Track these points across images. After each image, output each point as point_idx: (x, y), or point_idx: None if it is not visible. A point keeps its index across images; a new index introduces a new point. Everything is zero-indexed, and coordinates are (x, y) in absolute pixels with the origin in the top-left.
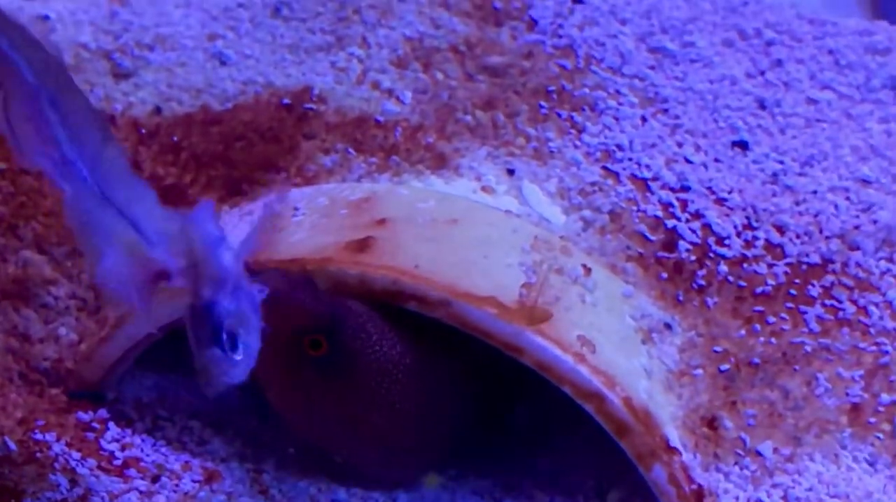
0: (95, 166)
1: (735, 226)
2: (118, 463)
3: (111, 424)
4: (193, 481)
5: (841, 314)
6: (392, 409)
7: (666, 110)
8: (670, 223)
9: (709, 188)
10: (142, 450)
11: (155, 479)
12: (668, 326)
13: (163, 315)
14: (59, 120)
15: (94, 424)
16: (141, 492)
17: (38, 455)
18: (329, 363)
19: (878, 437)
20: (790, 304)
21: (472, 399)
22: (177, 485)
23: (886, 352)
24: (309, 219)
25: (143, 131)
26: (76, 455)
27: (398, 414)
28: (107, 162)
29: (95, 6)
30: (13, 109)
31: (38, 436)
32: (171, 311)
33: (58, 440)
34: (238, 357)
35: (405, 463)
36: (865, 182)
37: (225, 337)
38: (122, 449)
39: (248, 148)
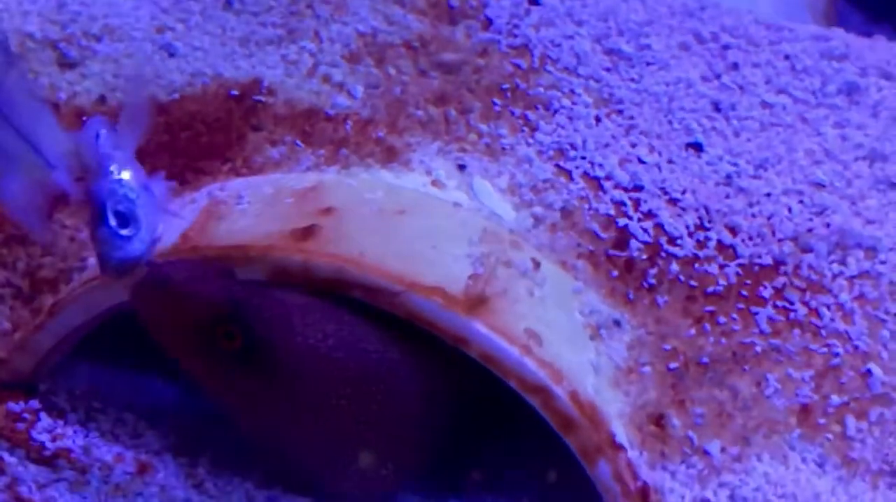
0: None
1: (687, 227)
2: (48, 453)
3: (42, 415)
4: (125, 473)
5: (792, 315)
6: (334, 410)
7: (620, 111)
8: (622, 222)
9: (662, 188)
10: (73, 442)
11: (85, 470)
12: (617, 323)
13: (98, 304)
14: None
15: (25, 414)
16: (70, 483)
17: None
18: (247, 356)
19: (828, 438)
20: (741, 305)
21: (460, 414)
22: (108, 477)
23: (837, 354)
24: (253, 208)
25: (86, 119)
26: (5, 444)
27: (344, 417)
28: (9, 86)
29: None
30: None
31: None
32: (107, 300)
33: None
34: (128, 232)
35: (366, 477)
36: (819, 185)
37: (110, 215)
38: (53, 439)
39: (194, 138)
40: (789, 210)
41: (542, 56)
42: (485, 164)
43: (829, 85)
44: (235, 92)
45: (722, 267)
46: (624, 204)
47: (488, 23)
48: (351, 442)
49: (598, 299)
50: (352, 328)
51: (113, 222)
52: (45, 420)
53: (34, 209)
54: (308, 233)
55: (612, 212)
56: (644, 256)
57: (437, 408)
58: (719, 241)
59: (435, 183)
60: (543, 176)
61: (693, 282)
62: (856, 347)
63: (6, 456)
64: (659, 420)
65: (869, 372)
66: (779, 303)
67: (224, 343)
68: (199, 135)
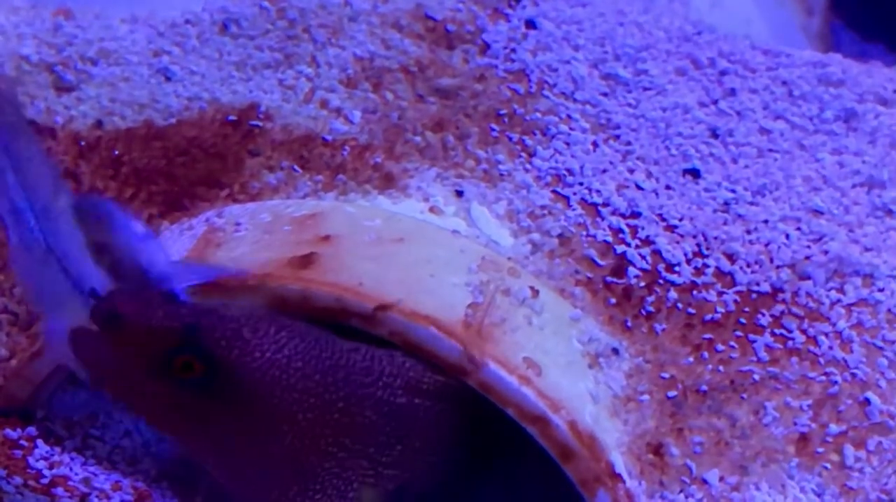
0: (44, 218)
1: (685, 254)
2: (45, 481)
3: (39, 442)
4: (123, 501)
5: (790, 343)
6: (311, 436)
7: (618, 136)
8: (620, 249)
9: (659, 215)
10: (70, 469)
11: (83, 498)
12: (615, 351)
13: None
14: (12, 167)
15: (23, 441)
16: None
17: None
18: (209, 384)
19: (826, 467)
20: (739, 333)
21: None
22: None
23: (835, 383)
24: (251, 235)
25: (83, 144)
26: (2, 472)
27: (322, 443)
28: (57, 214)
29: (39, 19)
30: None
31: None
32: None
33: None
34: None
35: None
36: (817, 212)
37: None
38: (51, 467)
39: (191, 163)
40: (787, 237)
41: (540, 81)
42: (482, 190)
43: (827, 111)
44: (232, 117)
45: (720, 294)
46: (622, 230)
47: (486, 47)
48: (320, 454)
49: (597, 327)
50: (304, 335)
51: None
52: (43, 447)
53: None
54: (306, 261)
55: (610, 238)
56: (642, 283)
57: (419, 422)
58: (717, 268)
59: (433, 209)
60: (541, 202)
61: (691, 310)
62: (854, 375)
63: (4, 483)
64: (657, 449)
65: (867, 400)
66: (777, 330)
67: (182, 374)
68: (196, 161)
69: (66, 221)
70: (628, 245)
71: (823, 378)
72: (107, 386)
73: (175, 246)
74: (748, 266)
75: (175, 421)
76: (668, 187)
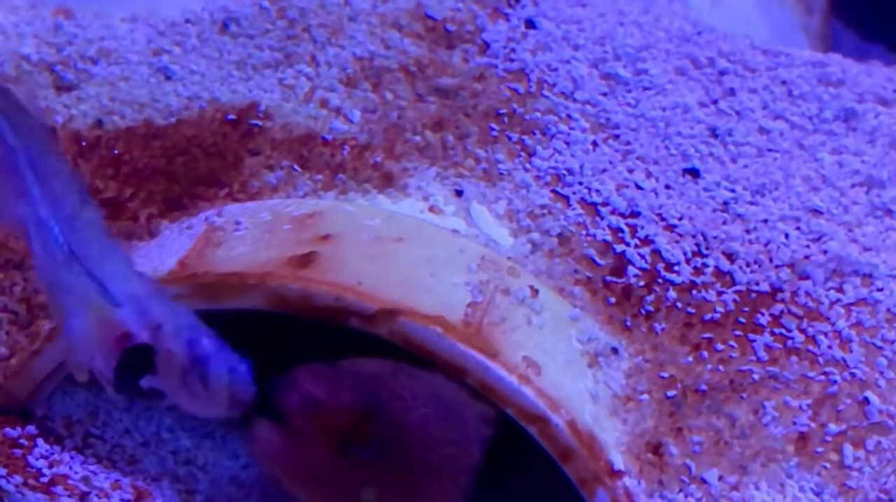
0: (69, 228)
1: (685, 253)
2: (45, 480)
3: (39, 441)
4: (123, 500)
5: (789, 343)
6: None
7: (617, 136)
8: (619, 248)
9: (659, 214)
10: (70, 468)
11: (83, 497)
12: (614, 350)
13: None
14: (37, 181)
15: (22, 440)
16: None
17: None
18: (387, 447)
19: (825, 467)
20: (738, 332)
21: None
22: None
23: (834, 382)
24: (251, 234)
25: (84, 143)
26: (2, 470)
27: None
28: (82, 224)
29: (39, 18)
30: None
31: None
32: None
33: None
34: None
35: None
36: (816, 212)
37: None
38: (50, 466)
39: (191, 163)
40: (786, 236)
41: (539, 80)
42: (482, 190)
43: (826, 111)
44: (232, 116)
45: (719, 293)
46: (621, 230)
47: (485, 47)
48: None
49: (596, 326)
50: (416, 376)
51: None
52: (42, 446)
53: (97, 346)
54: (306, 260)
55: (610, 238)
56: (641, 283)
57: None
58: (717, 268)
59: (432, 208)
60: (540, 201)
61: (690, 309)
62: (853, 375)
63: (3, 482)
64: (657, 448)
65: (866, 400)
66: (776, 330)
67: (365, 443)
68: (196, 160)
69: (91, 232)
70: (628, 244)
71: (823, 377)
72: (289, 478)
73: (174, 245)
74: (747, 265)
75: (354, 488)
76: (667, 187)
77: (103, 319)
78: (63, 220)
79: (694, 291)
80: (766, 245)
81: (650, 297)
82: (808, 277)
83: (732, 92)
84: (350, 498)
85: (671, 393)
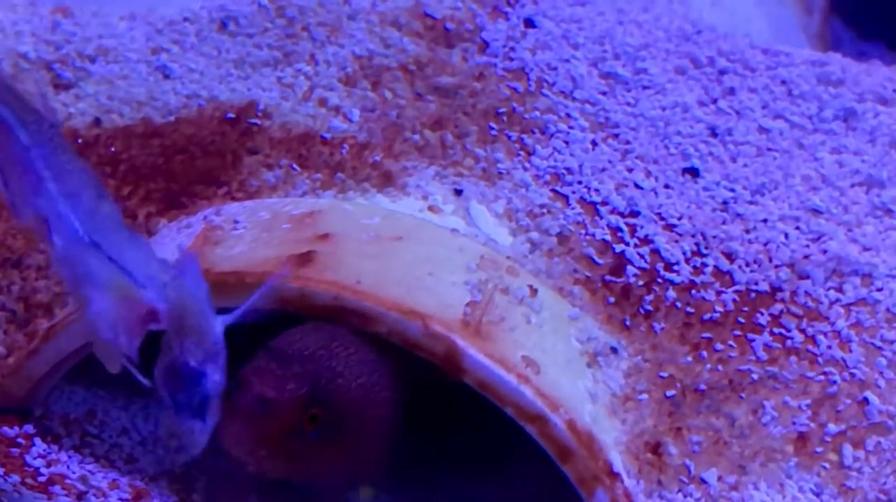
0: (88, 220)
1: (684, 253)
2: (43, 479)
3: (37, 440)
4: (120, 499)
5: (789, 343)
6: (378, 438)
7: (617, 135)
8: (619, 247)
9: (658, 214)
10: (68, 467)
11: (80, 496)
12: (614, 350)
13: None
14: (53, 177)
15: (20, 440)
16: None
17: None
18: (330, 425)
19: (825, 467)
20: (738, 332)
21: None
22: None
23: (834, 382)
24: (250, 233)
25: (81, 142)
26: None
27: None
28: (100, 217)
29: (38, 17)
30: (8, 169)
31: None
32: None
33: None
34: (208, 426)
35: (360, 480)
36: (816, 212)
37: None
38: (48, 465)
39: (190, 161)
40: (786, 236)
41: (539, 79)
42: (481, 189)
43: (826, 110)
44: (231, 114)
45: (719, 293)
46: (620, 229)
47: (485, 46)
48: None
49: (595, 325)
50: (363, 356)
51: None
52: (40, 445)
53: (122, 327)
54: (305, 259)
55: (609, 237)
56: (641, 282)
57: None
58: (716, 268)
59: (431, 208)
60: (540, 201)
61: (690, 309)
62: (853, 375)
63: (1, 481)
64: (656, 448)
65: (866, 400)
66: (775, 330)
67: (311, 425)
68: (195, 159)
69: (110, 224)
70: (627, 244)
71: (822, 377)
72: (253, 465)
73: (173, 244)
74: (747, 265)
75: (305, 465)
76: (666, 186)
77: (127, 297)
78: (82, 214)
79: (693, 291)
80: (765, 244)
81: (649, 297)
82: (807, 277)
83: (732, 91)
84: (302, 470)
85: (670, 392)
